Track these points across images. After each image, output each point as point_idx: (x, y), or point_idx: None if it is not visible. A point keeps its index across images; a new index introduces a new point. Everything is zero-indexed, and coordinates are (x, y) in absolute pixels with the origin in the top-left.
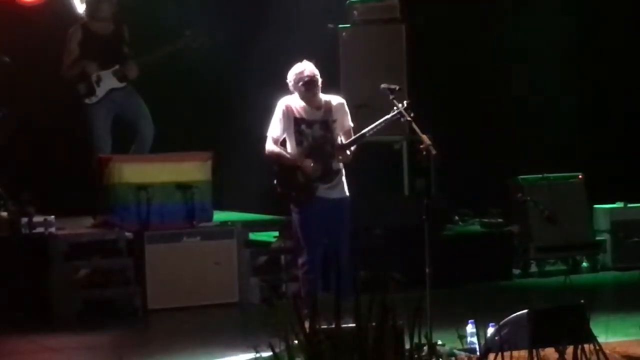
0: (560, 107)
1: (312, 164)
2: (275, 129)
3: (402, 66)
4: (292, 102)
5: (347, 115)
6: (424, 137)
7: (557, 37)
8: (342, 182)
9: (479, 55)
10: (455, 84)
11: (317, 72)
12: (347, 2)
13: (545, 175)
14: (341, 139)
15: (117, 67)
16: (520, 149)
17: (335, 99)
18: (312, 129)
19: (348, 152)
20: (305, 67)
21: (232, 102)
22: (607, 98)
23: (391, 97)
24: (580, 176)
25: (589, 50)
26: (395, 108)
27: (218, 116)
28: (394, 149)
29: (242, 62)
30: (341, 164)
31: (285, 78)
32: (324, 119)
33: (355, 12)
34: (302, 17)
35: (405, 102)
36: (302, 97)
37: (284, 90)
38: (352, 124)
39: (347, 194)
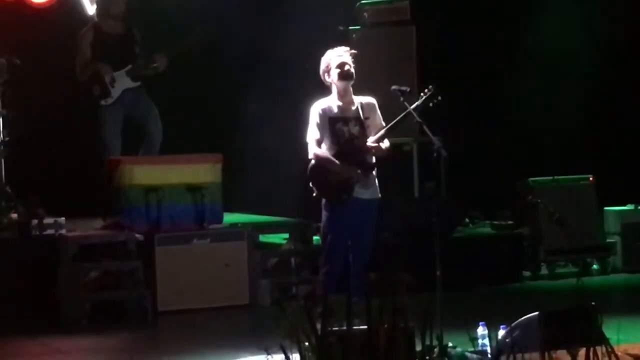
0: (571, 109)
1: (358, 171)
2: (314, 132)
3: (413, 68)
4: (326, 103)
5: (378, 113)
6: (435, 139)
7: (569, 38)
8: (376, 181)
9: (490, 57)
10: (466, 86)
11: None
12: (357, 4)
13: (556, 177)
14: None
15: (129, 67)
16: (530, 151)
17: (366, 98)
18: (348, 126)
19: (383, 146)
20: (339, 51)
21: (242, 104)
22: (618, 100)
23: (401, 98)
24: (590, 178)
25: (600, 51)
26: (422, 94)
27: (228, 118)
28: (404, 150)
29: (252, 66)
30: (374, 159)
31: (296, 79)
32: (358, 116)
33: (365, 14)
34: (311, 19)
35: (430, 86)
36: (339, 79)
37: (294, 92)
38: (383, 123)
39: (379, 195)
